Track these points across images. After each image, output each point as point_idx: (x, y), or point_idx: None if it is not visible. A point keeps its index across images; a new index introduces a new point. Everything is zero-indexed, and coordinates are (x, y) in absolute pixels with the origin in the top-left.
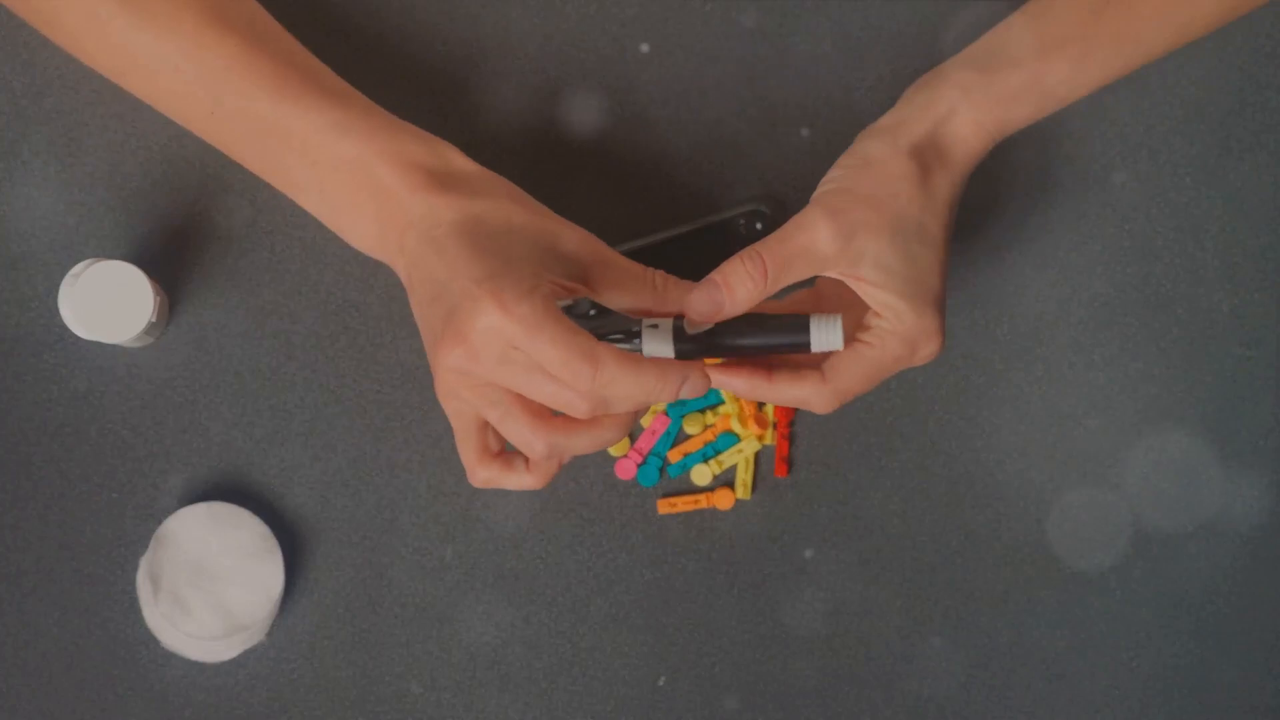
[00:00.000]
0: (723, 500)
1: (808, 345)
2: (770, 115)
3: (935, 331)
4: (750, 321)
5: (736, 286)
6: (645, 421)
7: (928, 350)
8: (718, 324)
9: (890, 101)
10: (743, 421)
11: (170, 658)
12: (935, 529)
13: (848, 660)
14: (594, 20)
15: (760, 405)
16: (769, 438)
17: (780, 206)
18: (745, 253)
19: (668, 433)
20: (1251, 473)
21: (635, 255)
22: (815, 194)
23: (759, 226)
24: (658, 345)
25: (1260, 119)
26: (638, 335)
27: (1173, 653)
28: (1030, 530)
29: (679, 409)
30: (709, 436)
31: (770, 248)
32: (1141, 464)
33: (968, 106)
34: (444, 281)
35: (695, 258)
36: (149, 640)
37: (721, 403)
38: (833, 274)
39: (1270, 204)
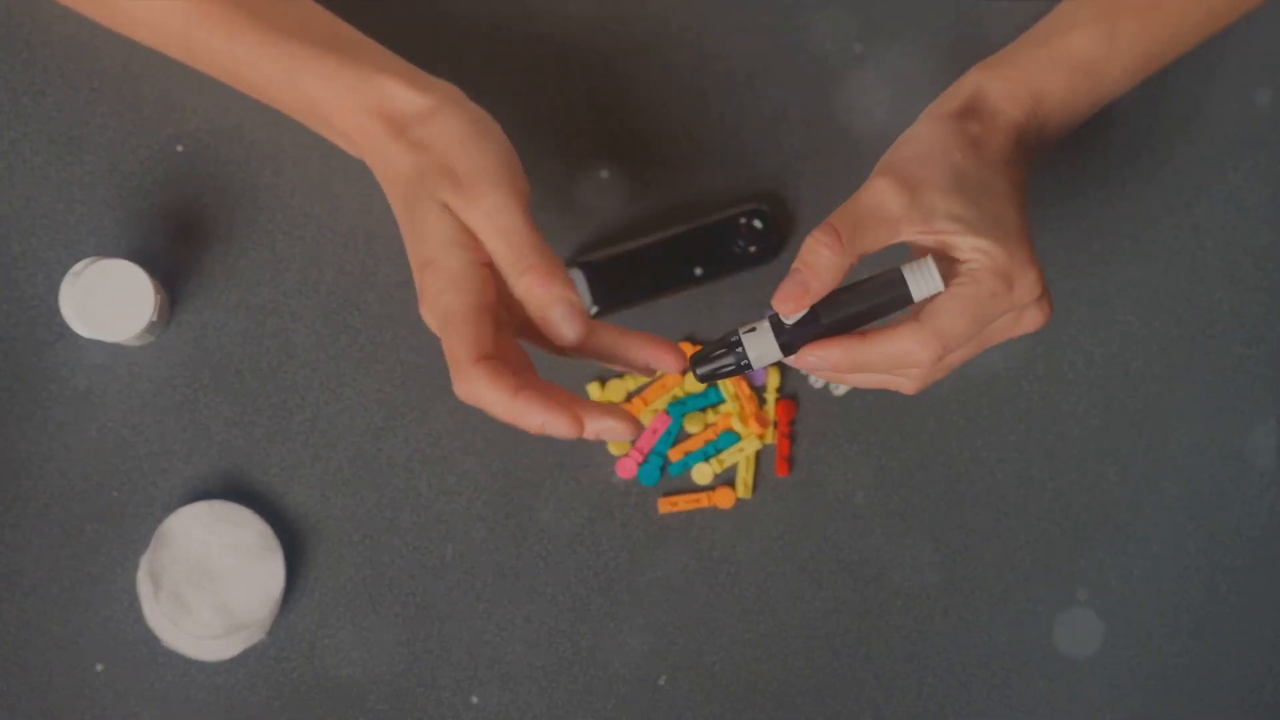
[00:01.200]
0: (724, 499)
1: (908, 297)
2: (770, 115)
3: (1027, 261)
4: (842, 293)
5: (814, 259)
6: (646, 420)
7: (1026, 282)
8: (814, 307)
9: (890, 100)
10: (744, 420)
11: (170, 656)
12: (936, 529)
13: (848, 660)
14: (594, 19)
15: (761, 404)
16: (770, 436)
17: (780, 206)
18: (815, 229)
19: (668, 431)
20: (1251, 472)
21: (636, 255)
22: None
23: (759, 226)
24: (761, 346)
25: (1260, 119)
26: (738, 345)
27: (1173, 652)
28: (1030, 530)
29: (679, 407)
30: (710, 435)
31: (836, 214)
32: (1141, 461)
33: (994, 81)
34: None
35: (695, 258)
36: (149, 639)
37: (722, 401)
38: (909, 235)
39: (1270, 204)
